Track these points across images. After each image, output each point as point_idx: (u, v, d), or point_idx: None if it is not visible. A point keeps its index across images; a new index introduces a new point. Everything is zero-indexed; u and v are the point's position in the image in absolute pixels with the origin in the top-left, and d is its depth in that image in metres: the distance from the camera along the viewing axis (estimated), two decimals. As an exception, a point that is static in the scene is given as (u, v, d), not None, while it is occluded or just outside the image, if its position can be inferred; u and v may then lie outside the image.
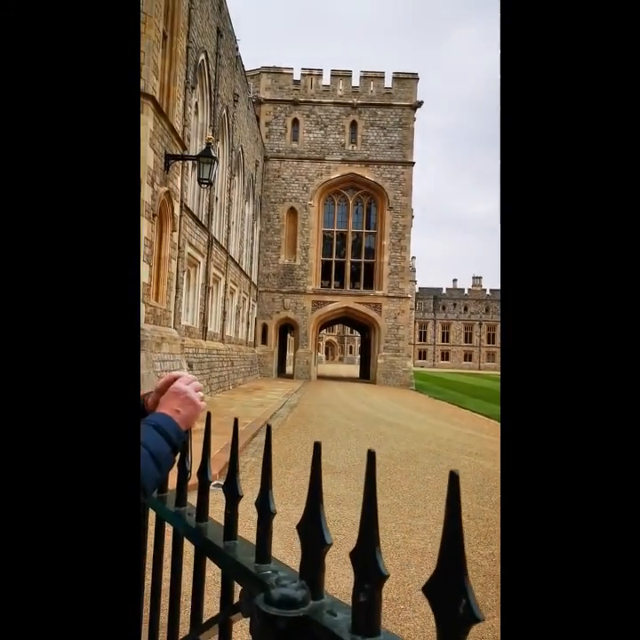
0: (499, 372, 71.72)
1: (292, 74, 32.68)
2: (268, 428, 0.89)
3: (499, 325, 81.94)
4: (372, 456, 0.65)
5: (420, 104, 32.41)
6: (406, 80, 32.52)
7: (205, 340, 18.67)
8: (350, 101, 32.29)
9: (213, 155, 12.23)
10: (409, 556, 5.08)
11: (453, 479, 0.55)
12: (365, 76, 32.58)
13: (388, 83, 32.55)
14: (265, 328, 32.25)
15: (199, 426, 1.12)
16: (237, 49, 22.95)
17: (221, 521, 1.05)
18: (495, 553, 5.34)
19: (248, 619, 0.86)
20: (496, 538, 5.80)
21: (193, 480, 1.17)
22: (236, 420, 1.02)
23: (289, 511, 5.83)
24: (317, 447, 0.75)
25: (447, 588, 0.56)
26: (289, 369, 37.41)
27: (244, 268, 26.55)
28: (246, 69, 26.83)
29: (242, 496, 1.00)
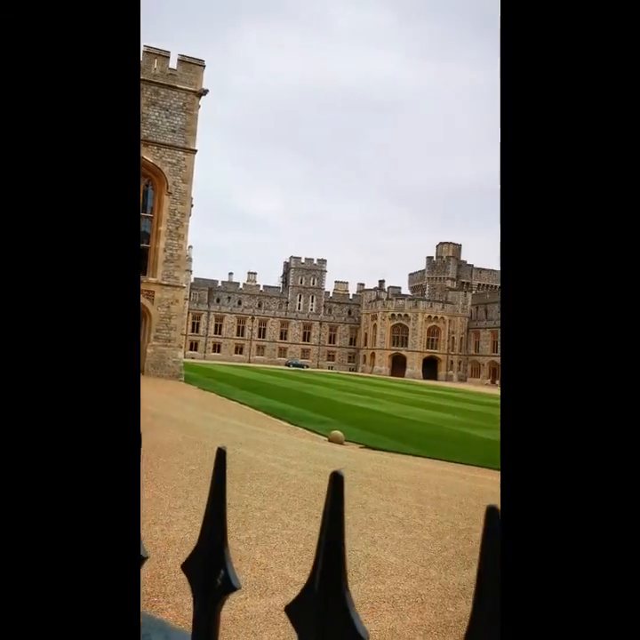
0: (269, 366, 74.92)
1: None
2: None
3: (269, 320, 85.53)
4: (221, 454, 0.59)
5: (205, 92, 32.11)
6: (192, 65, 31.92)
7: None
8: (132, 75, 30.46)
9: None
10: (166, 548, 5.01)
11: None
12: (149, 52, 31.06)
13: (172, 64, 31.56)
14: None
15: None
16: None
17: None
18: (252, 537, 5.57)
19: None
20: (254, 522, 6.05)
21: None
22: None
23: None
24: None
25: (208, 562, 0.56)
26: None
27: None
28: None
29: None
